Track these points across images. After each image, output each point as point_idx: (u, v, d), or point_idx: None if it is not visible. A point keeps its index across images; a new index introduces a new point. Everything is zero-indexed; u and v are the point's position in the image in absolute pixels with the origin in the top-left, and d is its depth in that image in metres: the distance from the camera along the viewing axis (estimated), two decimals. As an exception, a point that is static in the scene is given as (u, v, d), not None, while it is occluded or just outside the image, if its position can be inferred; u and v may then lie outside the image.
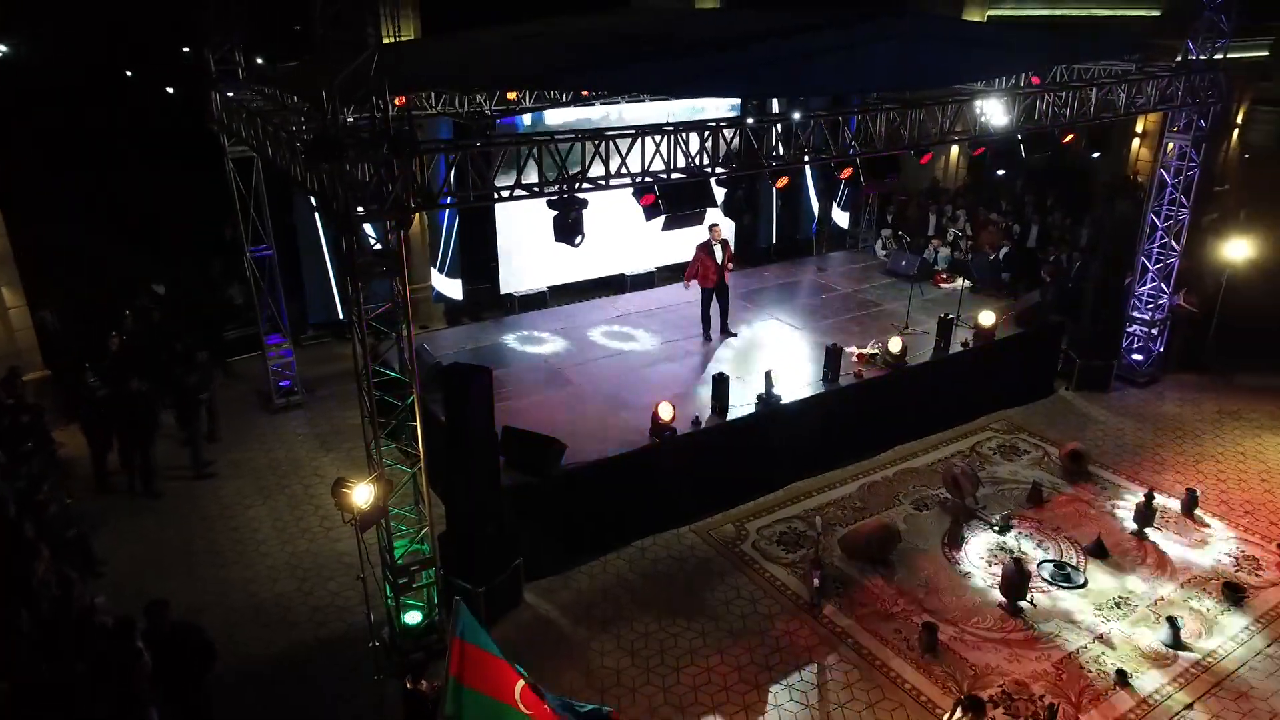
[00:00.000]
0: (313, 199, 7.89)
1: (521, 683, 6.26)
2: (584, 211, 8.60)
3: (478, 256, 15.41)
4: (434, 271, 15.57)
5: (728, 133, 9.11)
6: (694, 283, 13.72)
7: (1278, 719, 8.26)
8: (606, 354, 13.38)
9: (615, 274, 16.58)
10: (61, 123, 18.78)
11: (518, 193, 8.10)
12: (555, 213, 8.57)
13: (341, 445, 13.19)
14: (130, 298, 14.60)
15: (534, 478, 9.95)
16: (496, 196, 7.97)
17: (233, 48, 12.49)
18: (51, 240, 14.91)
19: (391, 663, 8.87)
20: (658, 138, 8.66)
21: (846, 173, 11.39)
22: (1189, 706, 8.43)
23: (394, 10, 15.23)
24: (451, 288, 15.35)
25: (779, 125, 9.27)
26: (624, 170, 8.55)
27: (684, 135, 8.84)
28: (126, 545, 10.70)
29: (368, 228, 7.77)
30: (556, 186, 8.44)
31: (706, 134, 8.99)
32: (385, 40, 15.11)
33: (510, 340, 13.89)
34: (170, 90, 15.89)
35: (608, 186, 8.52)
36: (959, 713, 7.15)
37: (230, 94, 11.73)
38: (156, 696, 6.94)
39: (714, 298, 13.71)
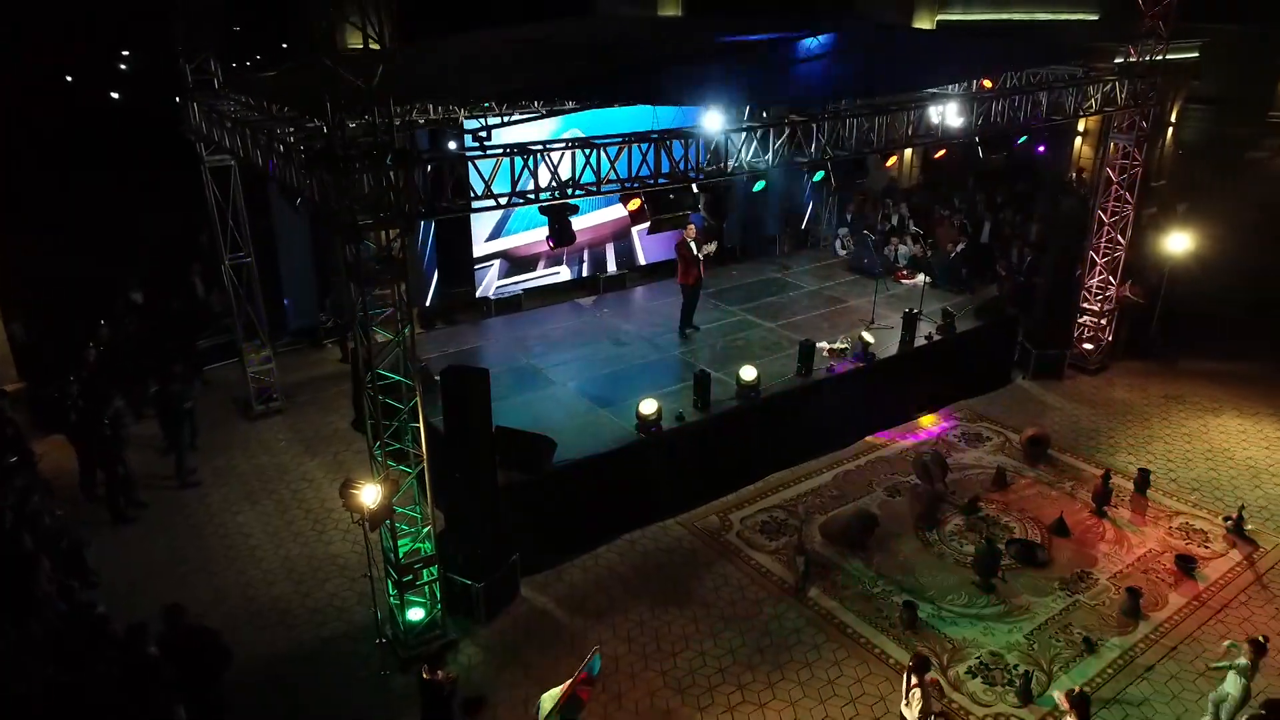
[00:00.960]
0: (297, 207, 8.11)
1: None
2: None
3: (454, 261, 15.60)
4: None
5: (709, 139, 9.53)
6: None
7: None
8: (585, 354, 13.71)
9: (589, 276, 16.90)
10: (32, 130, 18.50)
11: (514, 200, 8.39)
12: (548, 218, 8.87)
13: (326, 450, 13.31)
14: (106, 307, 14.52)
15: (526, 475, 10.25)
16: (495, 204, 8.25)
17: (208, 58, 12.55)
18: (22, 251, 14.76)
19: (396, 659, 9.11)
20: (644, 145, 9.02)
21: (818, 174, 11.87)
22: (1150, 669, 9.07)
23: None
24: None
25: (759, 131, 9.69)
26: (613, 176, 8.89)
27: (668, 142, 9.23)
28: (118, 555, 10.72)
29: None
30: (548, 194, 8.75)
31: (690, 141, 9.38)
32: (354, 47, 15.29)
33: (489, 343, 14.14)
34: (143, 98, 15.78)
35: (599, 192, 8.86)
36: (913, 678, 7.59)
37: (209, 103, 11.80)
38: (180, 697, 7.10)
39: (694, 293, 14.18)
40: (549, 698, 6.97)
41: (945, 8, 22.06)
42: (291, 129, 9.49)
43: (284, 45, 14.53)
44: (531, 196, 8.47)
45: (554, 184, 8.67)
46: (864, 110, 10.73)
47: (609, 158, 8.79)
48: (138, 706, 6.95)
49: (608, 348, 13.99)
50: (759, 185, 11.06)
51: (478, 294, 15.78)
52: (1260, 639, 8.01)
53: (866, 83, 11.08)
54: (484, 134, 8.30)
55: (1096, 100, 13.62)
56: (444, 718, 7.48)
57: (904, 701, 7.59)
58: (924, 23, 21.88)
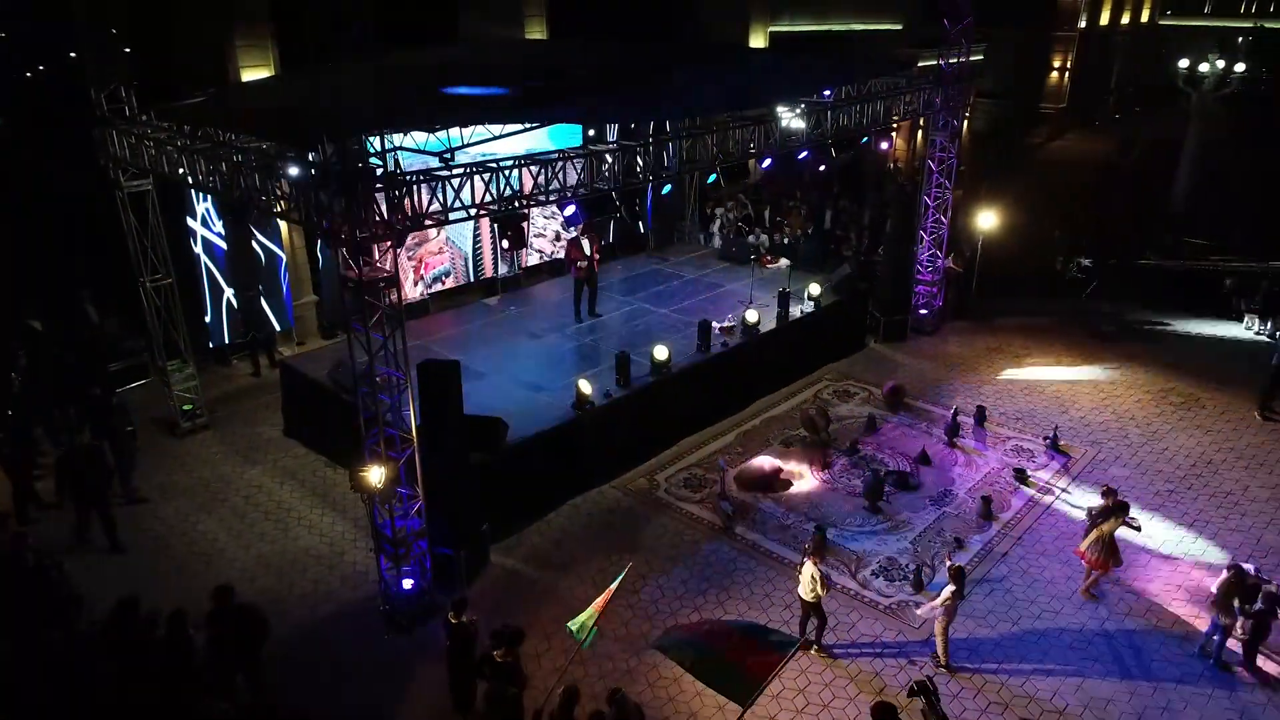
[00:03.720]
0: (270, 222, 9.03)
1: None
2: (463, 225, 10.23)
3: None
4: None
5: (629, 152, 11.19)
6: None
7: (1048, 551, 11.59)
8: (506, 348, 14.99)
9: (489, 278, 18.11)
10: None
11: (480, 212, 9.70)
12: (503, 225, 10.24)
13: (265, 458, 13.93)
14: (16, 336, 14.40)
15: (486, 454, 11.54)
16: (465, 215, 9.54)
17: (118, 87, 12.85)
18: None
19: (395, 624, 10.23)
20: (579, 161, 10.56)
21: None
22: (1005, 555, 11.59)
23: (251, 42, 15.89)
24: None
25: (671, 144, 11.44)
26: (556, 185, 10.37)
27: (598, 157, 10.81)
28: (94, 570, 11.05)
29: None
30: (497, 205, 10.11)
31: (612, 156, 11.00)
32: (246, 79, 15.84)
33: (413, 345, 15.08)
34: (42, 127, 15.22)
35: (546, 202, 10.32)
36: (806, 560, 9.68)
37: (135, 131, 12.20)
38: (238, 665, 8.01)
39: (584, 285, 15.77)
40: (578, 621, 8.27)
41: (775, 20, 24.67)
42: (236, 154, 10.31)
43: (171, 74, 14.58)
44: (495, 208, 9.81)
45: (502, 196, 10.03)
46: (747, 121, 12.69)
47: (552, 171, 10.26)
48: (197, 680, 7.83)
49: (525, 340, 15.35)
50: (666, 188, 12.81)
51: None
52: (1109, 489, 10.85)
53: (742, 100, 13.01)
54: (448, 155, 9.54)
55: (919, 104, 16.33)
56: (471, 653, 8.73)
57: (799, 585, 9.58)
58: (759, 34, 24.38)
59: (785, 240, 19.97)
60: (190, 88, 14.58)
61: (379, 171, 8.69)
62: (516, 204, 10.16)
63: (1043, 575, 11.21)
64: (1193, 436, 14.52)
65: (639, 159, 11.48)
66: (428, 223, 9.22)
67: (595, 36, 20.82)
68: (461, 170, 9.55)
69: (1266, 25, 43.41)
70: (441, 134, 9.52)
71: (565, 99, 10.44)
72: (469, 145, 9.59)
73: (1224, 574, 9.79)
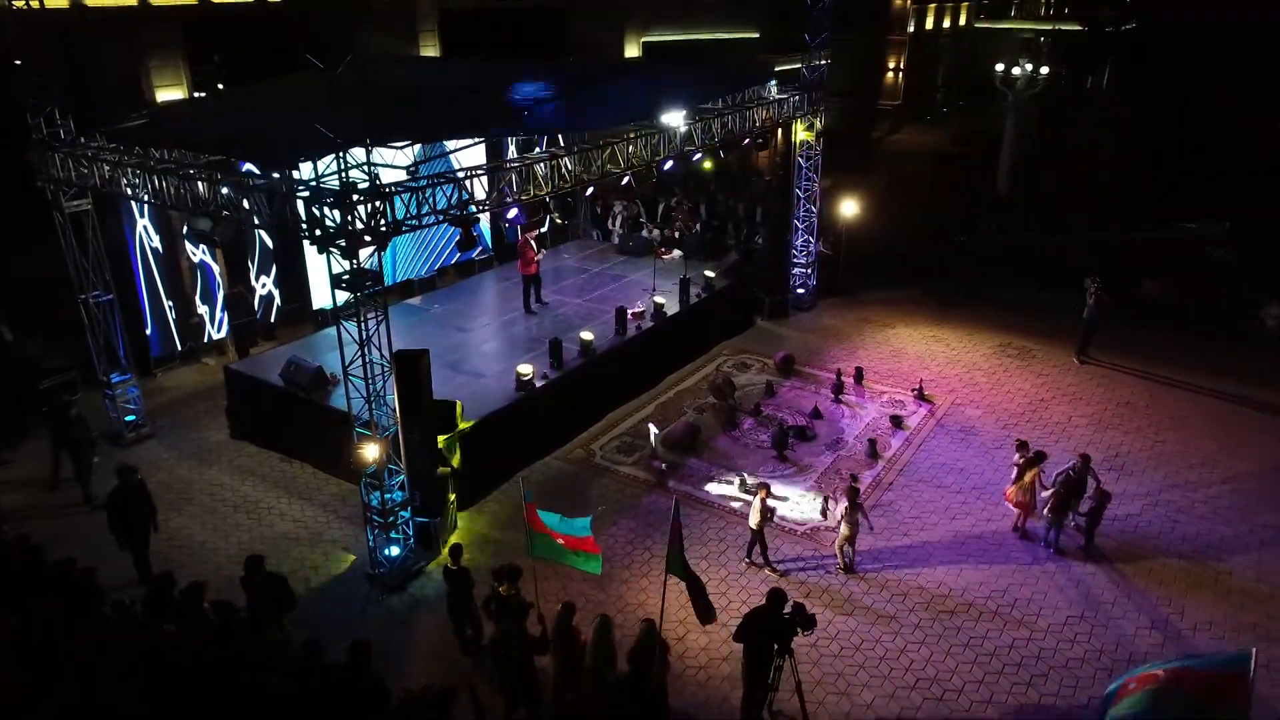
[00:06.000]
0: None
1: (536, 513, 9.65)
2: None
3: (289, 277, 17.24)
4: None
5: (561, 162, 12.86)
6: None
7: (925, 482, 14.10)
8: (438, 342, 16.18)
9: (404, 280, 19.22)
10: None
11: (441, 218, 11.11)
12: (459, 229, 11.67)
13: (219, 459, 14.68)
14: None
15: (445, 433, 12.90)
16: (435, 220, 10.94)
17: (54, 110, 13.34)
18: None
19: (385, 586, 11.50)
20: (524, 170, 12.13)
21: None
22: (891, 485, 13.98)
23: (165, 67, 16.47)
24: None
25: (601, 151, 13.16)
26: (508, 193, 11.90)
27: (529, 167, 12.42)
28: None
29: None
30: (457, 211, 11.54)
31: (547, 165, 12.63)
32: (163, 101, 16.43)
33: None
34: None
35: (500, 207, 11.84)
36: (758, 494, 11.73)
37: (82, 153, 12.79)
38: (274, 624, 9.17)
39: (533, 280, 17.32)
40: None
41: (647, 31, 26.69)
42: (198, 174, 11.31)
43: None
44: (456, 214, 11.24)
45: (461, 203, 11.48)
46: (654, 131, 14.55)
47: (504, 180, 11.79)
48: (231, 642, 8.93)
49: (454, 334, 16.67)
50: (589, 190, 14.49)
51: (314, 307, 17.58)
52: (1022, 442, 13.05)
53: (643, 111, 14.86)
54: (413, 168, 10.91)
55: (790, 107, 18.69)
56: (470, 594, 10.18)
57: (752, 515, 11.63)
58: (633, 45, 26.34)
59: (677, 234, 22.01)
60: (107, 107, 15.08)
61: (362, 185, 9.99)
62: (473, 209, 11.61)
63: (922, 497, 13.65)
64: (1027, 380, 17.53)
65: (564, 167, 13.13)
66: (405, 228, 10.56)
67: (483, 51, 22.24)
68: (425, 181, 10.95)
69: (1061, 28, 49.28)
70: (410, 150, 10.86)
71: (513, 117, 11.99)
72: (431, 158, 10.96)
73: (1055, 484, 12.39)
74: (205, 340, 17.33)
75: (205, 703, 7.42)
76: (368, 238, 10.03)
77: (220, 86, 17.16)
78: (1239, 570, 12.03)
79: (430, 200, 10.85)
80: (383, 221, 10.13)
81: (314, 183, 9.92)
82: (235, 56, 17.75)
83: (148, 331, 16.13)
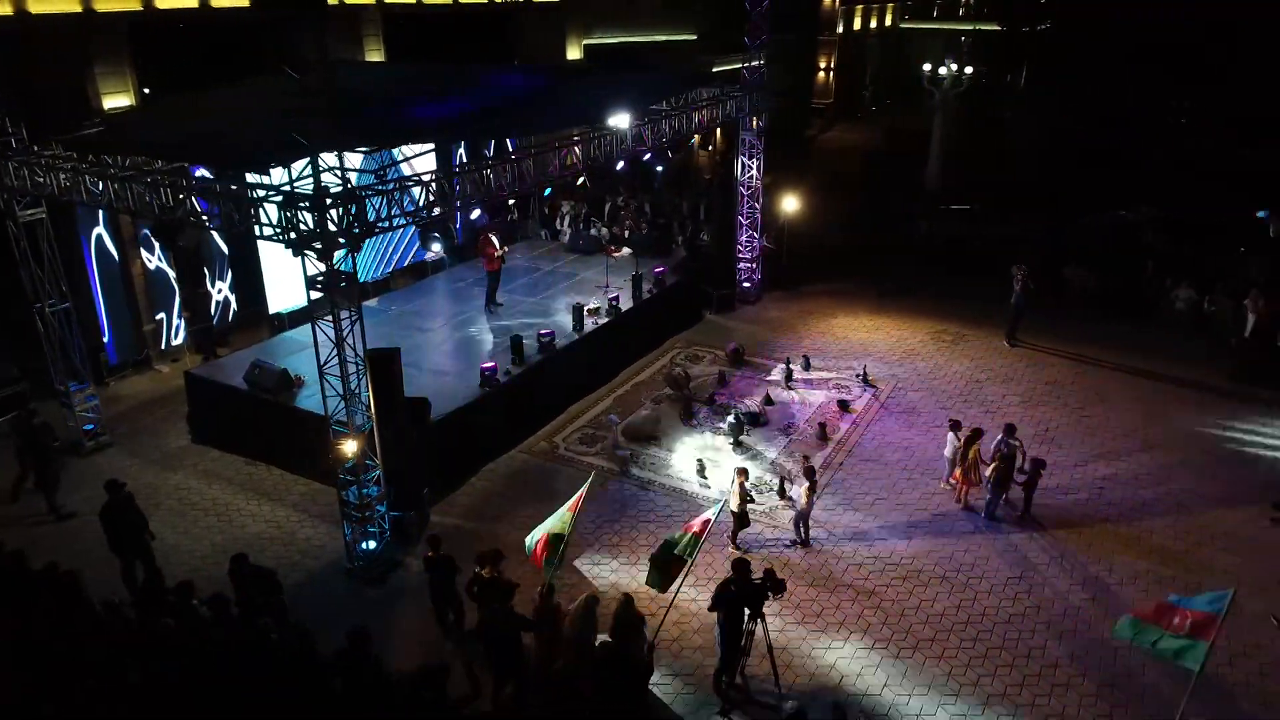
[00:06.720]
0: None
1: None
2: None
3: (245, 282, 17.31)
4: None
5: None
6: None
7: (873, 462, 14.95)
8: (399, 342, 16.42)
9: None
10: None
11: (413, 220, 11.49)
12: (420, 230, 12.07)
13: (183, 464, 14.75)
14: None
15: (416, 428, 13.25)
16: (405, 221, 11.31)
17: (5, 119, 13.27)
18: None
19: (363, 579, 11.82)
20: (488, 171, 12.56)
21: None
22: (841, 464, 14.79)
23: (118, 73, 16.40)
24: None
25: (554, 154, 13.65)
26: (469, 194, 12.33)
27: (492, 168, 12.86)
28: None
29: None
30: (424, 211, 11.93)
31: (508, 164, 13.09)
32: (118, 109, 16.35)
33: (307, 350, 16.30)
34: None
35: (464, 208, 12.24)
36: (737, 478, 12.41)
37: (35, 161, 12.79)
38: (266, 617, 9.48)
39: (497, 277, 17.73)
40: (549, 527, 10.33)
41: (589, 33, 27.20)
42: (163, 180, 11.49)
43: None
44: (425, 217, 11.63)
45: (428, 204, 11.87)
46: (605, 132, 15.10)
47: (471, 182, 12.21)
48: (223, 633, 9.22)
49: (415, 334, 16.95)
50: (547, 190, 14.97)
51: (270, 311, 17.68)
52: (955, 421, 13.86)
53: (595, 113, 15.40)
54: (382, 171, 11.27)
55: (732, 107, 19.42)
56: (451, 583, 10.59)
57: (732, 498, 12.28)
58: (575, 48, 26.80)
59: (626, 232, 22.59)
60: (54, 115, 15.02)
61: (335, 189, 10.33)
62: (438, 210, 12.01)
63: (870, 475, 14.49)
64: (962, 363, 18.58)
65: (521, 168, 13.60)
66: (377, 229, 10.92)
67: (429, 55, 22.49)
68: (393, 185, 11.32)
69: (981, 28, 51.34)
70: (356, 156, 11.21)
71: (482, 124, 12.42)
72: (399, 162, 11.33)
73: (994, 458, 13.31)
74: (164, 347, 17.30)
75: (211, 697, 7.70)
76: (341, 240, 10.35)
77: (169, 94, 17.11)
78: (1159, 530, 13.12)
79: (400, 202, 11.24)
80: (356, 224, 10.46)
81: (286, 187, 10.22)
82: (182, 63, 17.71)
83: (105, 339, 16.04)
